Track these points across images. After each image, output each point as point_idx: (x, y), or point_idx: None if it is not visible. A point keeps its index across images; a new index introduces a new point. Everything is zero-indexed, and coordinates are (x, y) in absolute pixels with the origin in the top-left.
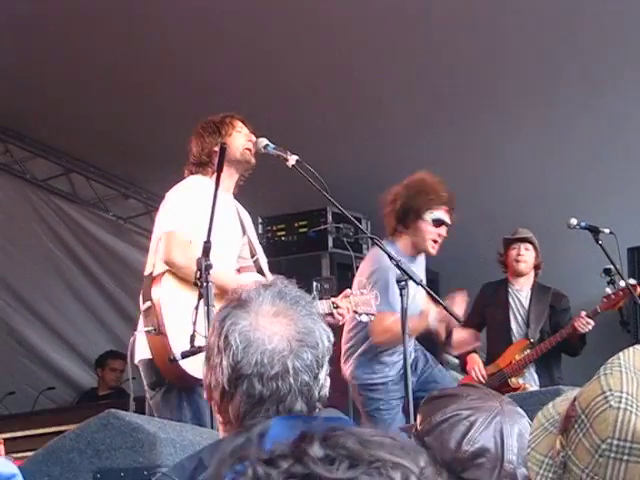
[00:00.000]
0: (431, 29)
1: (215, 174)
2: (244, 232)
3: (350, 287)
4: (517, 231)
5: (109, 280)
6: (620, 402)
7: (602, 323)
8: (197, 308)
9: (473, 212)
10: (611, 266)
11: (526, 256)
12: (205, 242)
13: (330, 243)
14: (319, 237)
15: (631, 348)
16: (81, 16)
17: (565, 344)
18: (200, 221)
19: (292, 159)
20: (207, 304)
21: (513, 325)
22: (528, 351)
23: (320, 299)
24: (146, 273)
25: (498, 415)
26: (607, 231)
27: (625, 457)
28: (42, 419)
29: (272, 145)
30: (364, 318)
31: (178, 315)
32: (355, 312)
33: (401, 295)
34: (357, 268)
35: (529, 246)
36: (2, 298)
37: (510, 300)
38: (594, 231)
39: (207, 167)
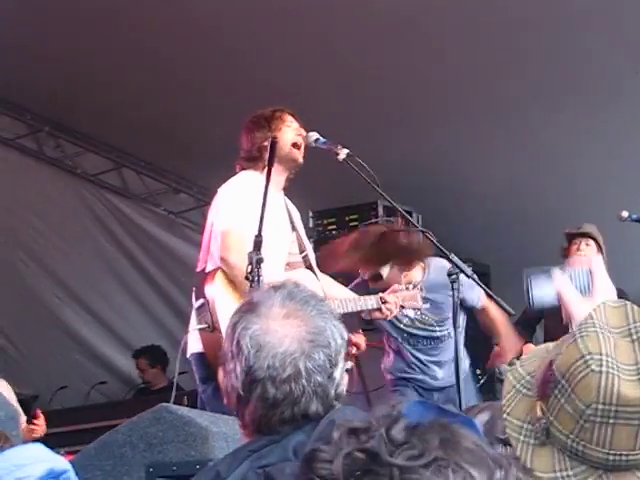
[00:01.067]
0: (480, 22)
1: (266, 169)
2: (293, 228)
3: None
4: (581, 226)
5: (160, 274)
6: (601, 365)
7: None
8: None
9: (530, 206)
10: None
11: (586, 251)
12: (256, 236)
13: None
14: None
15: (601, 304)
16: (133, 13)
17: None
18: (253, 218)
19: (343, 153)
20: None
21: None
22: None
23: (371, 293)
24: (198, 269)
25: None
26: None
27: (611, 420)
28: (94, 413)
29: (322, 139)
30: (410, 313)
31: (230, 313)
32: (402, 307)
33: (452, 289)
34: None
35: (590, 241)
36: (54, 293)
37: None
38: None
39: (258, 162)
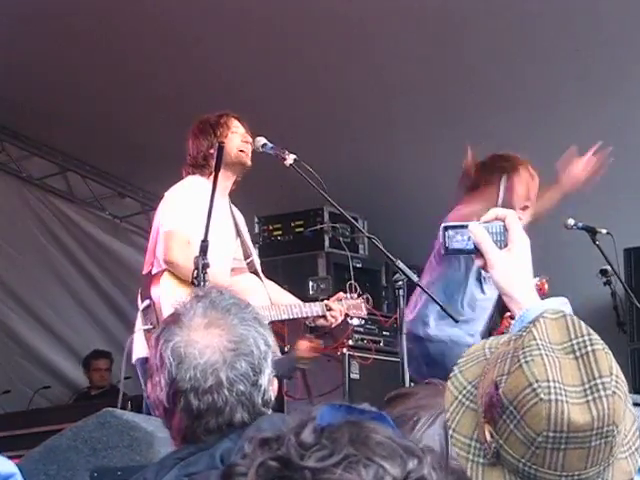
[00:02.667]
0: (445, 23)
1: (212, 174)
2: (238, 234)
3: (345, 288)
4: None
5: (105, 279)
6: (550, 393)
7: (598, 323)
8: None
9: None
10: (608, 267)
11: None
12: (202, 241)
13: (327, 243)
14: (315, 237)
15: (541, 319)
16: (83, 13)
17: None
18: (198, 222)
19: (290, 158)
20: None
21: None
22: None
23: (317, 299)
24: (144, 272)
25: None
26: (604, 231)
27: (563, 446)
28: (38, 418)
29: (270, 144)
30: (355, 322)
31: None
32: (347, 315)
33: (397, 295)
34: (353, 268)
35: None
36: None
37: None
38: (591, 231)
39: (204, 169)
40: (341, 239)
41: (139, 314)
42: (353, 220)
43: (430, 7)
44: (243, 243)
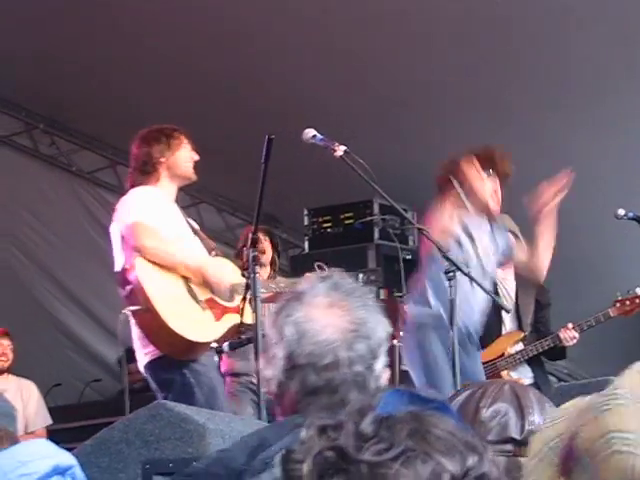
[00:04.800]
0: (479, 23)
1: (158, 182)
2: (195, 233)
3: (397, 279)
4: None
5: None
6: (626, 445)
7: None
8: (244, 299)
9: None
10: None
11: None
12: (252, 233)
13: (376, 235)
14: (365, 229)
15: (628, 370)
16: (131, 11)
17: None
18: (158, 217)
19: (340, 150)
20: (254, 294)
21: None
22: (520, 344)
23: None
24: (117, 269)
25: (506, 384)
26: None
27: None
28: (89, 411)
29: (320, 135)
30: None
31: (162, 292)
32: None
33: (450, 286)
34: (403, 260)
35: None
36: (49, 290)
37: (499, 290)
38: None
39: (151, 176)
40: (391, 231)
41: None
42: (403, 211)
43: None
44: (203, 239)
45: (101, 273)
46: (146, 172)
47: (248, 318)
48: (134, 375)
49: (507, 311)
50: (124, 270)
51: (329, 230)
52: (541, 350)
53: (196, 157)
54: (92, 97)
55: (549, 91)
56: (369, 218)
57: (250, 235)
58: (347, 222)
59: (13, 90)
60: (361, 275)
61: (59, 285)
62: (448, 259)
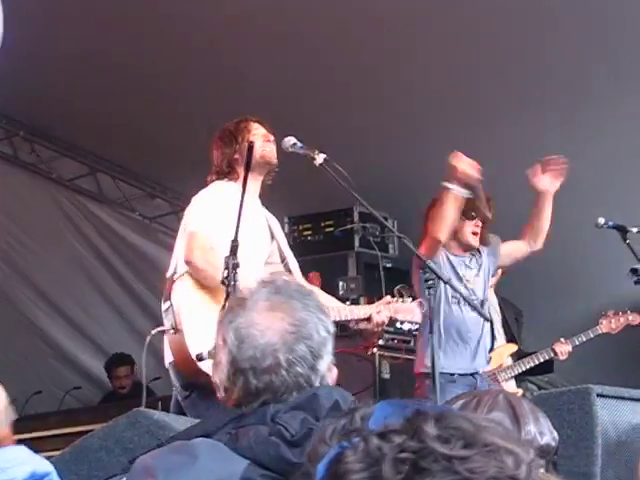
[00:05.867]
0: (462, 22)
1: (241, 177)
2: (272, 237)
3: (378, 287)
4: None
5: (135, 280)
6: None
7: None
8: (224, 307)
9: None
10: (639, 266)
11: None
12: (232, 241)
13: (357, 242)
14: (345, 236)
15: None
16: (116, 18)
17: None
18: (225, 224)
19: (319, 157)
20: None
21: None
22: (512, 357)
23: (347, 299)
24: (168, 275)
25: (500, 394)
26: (635, 230)
27: None
28: (68, 418)
29: (299, 144)
30: (406, 326)
31: (194, 315)
32: (395, 319)
33: (429, 295)
34: (383, 268)
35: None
36: (29, 298)
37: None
38: (622, 230)
39: (230, 175)
40: (371, 239)
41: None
42: (383, 219)
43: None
44: (278, 247)
45: (81, 280)
46: (224, 173)
47: None
48: (121, 380)
49: (487, 320)
50: (171, 280)
51: (309, 238)
52: (537, 362)
53: (270, 138)
54: (73, 104)
55: (528, 91)
56: (349, 226)
57: (231, 242)
58: (327, 230)
59: None
60: (341, 283)
61: (39, 292)
62: (429, 268)
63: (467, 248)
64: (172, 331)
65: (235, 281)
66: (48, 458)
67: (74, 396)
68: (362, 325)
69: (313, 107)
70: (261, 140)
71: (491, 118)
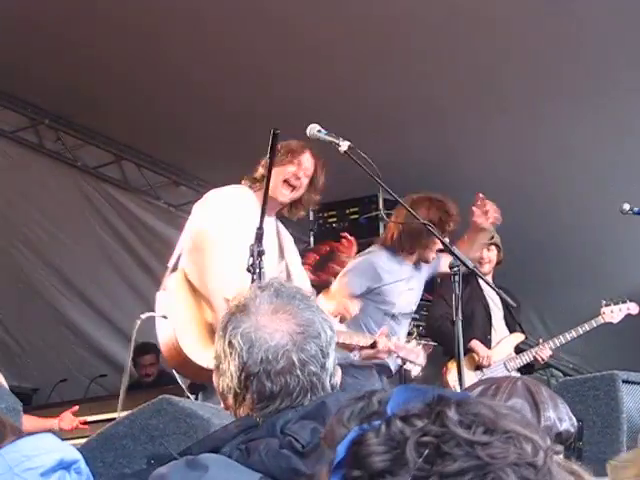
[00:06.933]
0: (479, 14)
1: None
2: (282, 256)
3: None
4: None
5: (160, 267)
6: None
7: None
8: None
9: (525, 197)
10: None
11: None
12: (257, 229)
13: (381, 229)
14: (370, 223)
15: None
16: (136, 6)
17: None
18: (229, 227)
19: (344, 145)
20: None
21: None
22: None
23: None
24: (169, 265)
25: (519, 380)
26: None
27: None
28: (94, 406)
29: (324, 131)
30: (414, 371)
31: (183, 308)
32: (404, 360)
33: (454, 281)
34: None
35: (492, 247)
36: (54, 286)
37: (484, 295)
38: None
39: (254, 184)
40: None
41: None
42: (408, 206)
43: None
44: (286, 264)
45: (106, 268)
46: (255, 179)
47: None
48: (147, 368)
49: (512, 307)
50: (170, 270)
51: (334, 225)
52: (564, 341)
53: (306, 173)
54: (97, 92)
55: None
56: (374, 213)
57: (256, 230)
58: (352, 217)
59: (18, 86)
60: None
61: (65, 281)
62: (453, 254)
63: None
64: (164, 318)
65: (261, 268)
66: (74, 445)
67: (100, 384)
68: (365, 352)
69: (333, 95)
70: (291, 172)
71: (517, 112)
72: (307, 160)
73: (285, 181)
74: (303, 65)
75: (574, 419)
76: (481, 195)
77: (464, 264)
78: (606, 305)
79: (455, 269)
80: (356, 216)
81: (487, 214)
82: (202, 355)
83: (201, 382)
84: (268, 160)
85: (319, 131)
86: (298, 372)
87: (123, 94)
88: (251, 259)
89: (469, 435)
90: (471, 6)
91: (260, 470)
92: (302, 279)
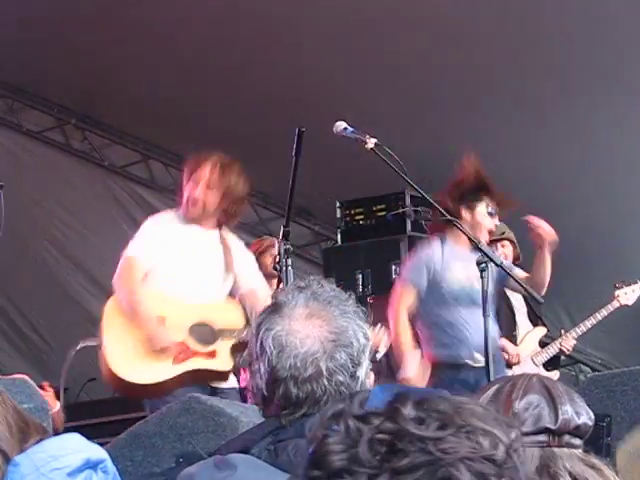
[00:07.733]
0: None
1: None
2: (228, 270)
3: None
4: (503, 231)
5: None
6: None
7: None
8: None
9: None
10: None
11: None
12: (284, 226)
13: (408, 226)
14: (397, 220)
15: None
16: (163, 9)
17: None
18: (160, 252)
19: (371, 142)
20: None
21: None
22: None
23: None
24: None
25: (534, 376)
26: None
27: None
28: (123, 405)
29: (350, 128)
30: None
31: (112, 332)
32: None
33: (481, 277)
34: None
35: (506, 242)
36: (82, 285)
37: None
38: None
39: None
40: (423, 222)
41: None
42: (435, 203)
43: None
44: (237, 276)
45: None
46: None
47: None
48: None
49: (540, 302)
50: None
51: (361, 222)
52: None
53: (208, 185)
54: (124, 91)
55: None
56: (401, 210)
57: (283, 228)
58: (379, 214)
59: (45, 86)
60: (394, 267)
61: (93, 280)
62: (481, 250)
63: None
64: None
65: (287, 266)
66: (102, 445)
67: None
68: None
69: (360, 92)
70: (188, 193)
71: (540, 107)
72: (204, 172)
73: (187, 201)
74: (320, 67)
75: (591, 413)
76: (531, 218)
77: (492, 260)
78: (619, 288)
79: (482, 265)
80: (383, 213)
81: (542, 236)
82: (130, 370)
83: (138, 397)
84: (294, 158)
85: (345, 129)
86: (325, 381)
87: (150, 94)
88: (277, 257)
89: (421, 431)
90: None
91: (289, 471)
92: (255, 284)
